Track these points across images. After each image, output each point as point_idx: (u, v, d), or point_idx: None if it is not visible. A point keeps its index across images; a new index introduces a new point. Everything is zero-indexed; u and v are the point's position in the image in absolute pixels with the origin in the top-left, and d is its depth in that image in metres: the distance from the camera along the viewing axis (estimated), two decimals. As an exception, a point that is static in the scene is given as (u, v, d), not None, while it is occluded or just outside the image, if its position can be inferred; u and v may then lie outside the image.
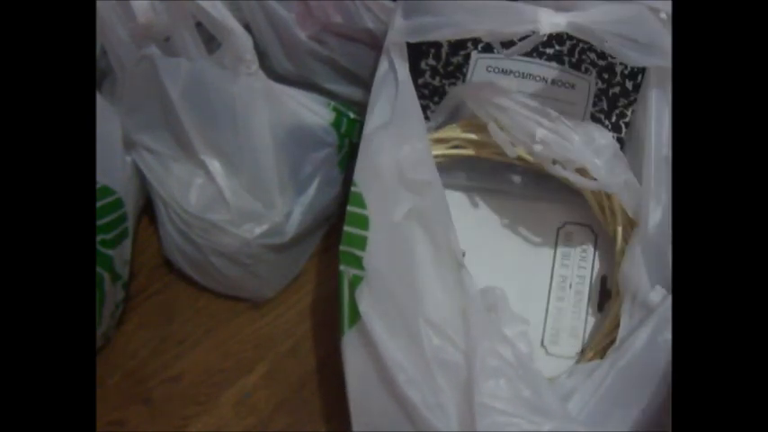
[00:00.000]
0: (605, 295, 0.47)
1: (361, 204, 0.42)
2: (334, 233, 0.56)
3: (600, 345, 0.44)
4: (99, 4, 0.46)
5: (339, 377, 0.41)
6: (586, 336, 0.46)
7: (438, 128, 0.51)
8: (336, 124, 0.53)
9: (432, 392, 0.37)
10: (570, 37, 0.49)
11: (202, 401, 0.50)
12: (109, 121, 0.51)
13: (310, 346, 0.52)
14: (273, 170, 0.50)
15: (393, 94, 0.45)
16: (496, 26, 0.42)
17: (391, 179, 0.42)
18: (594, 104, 0.50)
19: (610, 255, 0.48)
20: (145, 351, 0.52)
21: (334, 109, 0.53)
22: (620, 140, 0.50)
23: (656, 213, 0.43)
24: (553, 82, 0.50)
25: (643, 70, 0.49)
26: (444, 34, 0.44)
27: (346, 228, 0.42)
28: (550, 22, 0.41)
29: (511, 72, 0.51)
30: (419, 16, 0.45)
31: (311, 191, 0.52)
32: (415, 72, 0.50)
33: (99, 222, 0.48)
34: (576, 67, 0.50)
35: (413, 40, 0.46)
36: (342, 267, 0.42)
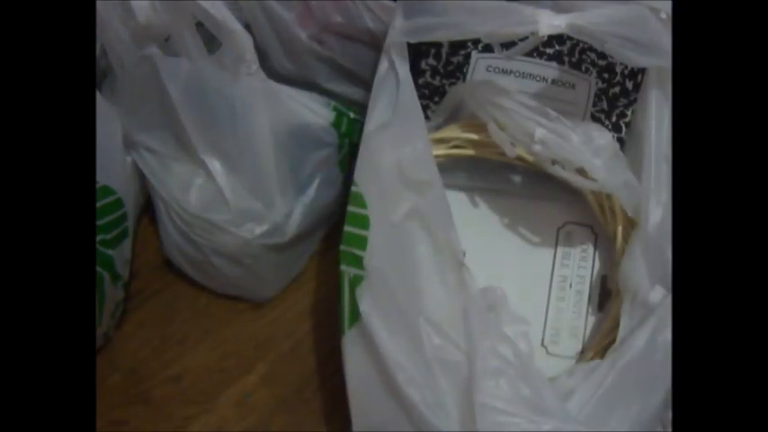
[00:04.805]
0: (605, 295, 0.47)
1: (362, 204, 0.42)
2: (334, 233, 0.56)
3: (600, 344, 0.44)
4: (99, 4, 0.46)
5: (339, 377, 0.41)
6: (586, 335, 0.46)
7: (438, 128, 0.51)
8: (337, 124, 0.53)
9: (432, 392, 0.37)
10: (570, 37, 0.49)
11: (202, 401, 0.50)
12: (109, 121, 0.51)
13: (310, 346, 0.52)
14: (273, 170, 0.50)
15: (393, 93, 0.45)
16: (496, 27, 0.42)
17: (391, 179, 0.42)
18: (595, 104, 0.50)
19: (610, 254, 0.48)
20: (145, 351, 0.52)
21: (335, 109, 0.53)
22: (620, 140, 0.50)
23: (656, 213, 0.43)
24: (553, 82, 0.50)
25: (643, 70, 0.49)
26: (444, 35, 0.44)
27: (347, 228, 0.42)
28: (550, 23, 0.41)
29: (511, 72, 0.51)
30: (419, 16, 0.45)
31: (311, 191, 0.52)
32: (416, 72, 0.50)
33: (99, 222, 0.48)
34: (576, 66, 0.50)
35: (413, 41, 0.46)
36: (342, 267, 0.42)
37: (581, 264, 0.48)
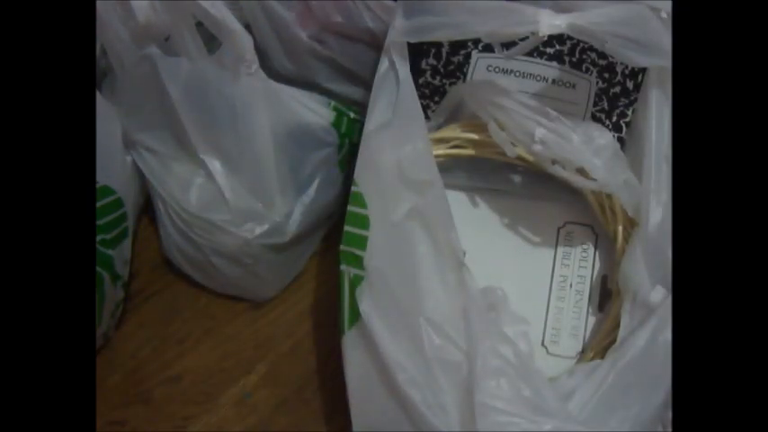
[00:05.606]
0: (606, 295, 0.47)
1: (362, 204, 0.42)
2: (334, 233, 0.56)
3: (600, 345, 0.44)
4: (99, 4, 0.46)
5: (339, 377, 0.41)
6: (587, 335, 0.46)
7: (438, 127, 0.51)
8: (337, 124, 0.53)
9: (432, 392, 0.37)
10: (571, 36, 0.49)
11: (202, 401, 0.50)
12: (109, 121, 0.51)
13: (310, 346, 0.52)
14: (273, 170, 0.50)
15: (393, 93, 0.45)
16: (497, 27, 0.42)
17: (392, 179, 0.42)
18: (595, 104, 0.50)
19: (610, 254, 0.48)
20: (145, 351, 0.52)
21: (335, 108, 0.53)
22: (620, 140, 0.50)
23: (657, 213, 0.43)
24: (554, 81, 0.50)
25: (644, 69, 0.49)
26: (445, 34, 0.44)
27: (347, 227, 0.42)
28: (550, 23, 0.41)
29: (511, 72, 0.51)
30: (420, 16, 0.45)
31: (311, 191, 0.52)
32: (416, 71, 0.50)
33: (99, 222, 0.48)
34: (576, 66, 0.50)
35: (413, 40, 0.46)
36: (342, 267, 0.42)
37: (581, 264, 0.48)
